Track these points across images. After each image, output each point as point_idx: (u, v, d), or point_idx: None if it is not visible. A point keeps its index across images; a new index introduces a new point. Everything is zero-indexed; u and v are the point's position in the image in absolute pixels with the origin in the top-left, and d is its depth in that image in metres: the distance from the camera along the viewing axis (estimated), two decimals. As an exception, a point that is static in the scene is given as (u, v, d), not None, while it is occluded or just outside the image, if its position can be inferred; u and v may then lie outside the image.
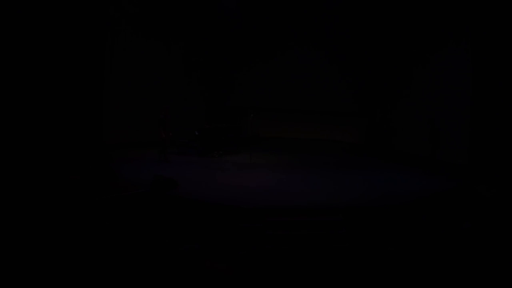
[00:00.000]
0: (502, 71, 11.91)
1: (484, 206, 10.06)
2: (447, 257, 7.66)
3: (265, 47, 17.54)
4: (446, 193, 10.99)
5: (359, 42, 16.66)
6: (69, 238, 7.53)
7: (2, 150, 11.25)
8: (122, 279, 6.69)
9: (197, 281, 7.16)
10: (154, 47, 16.25)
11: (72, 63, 12.94)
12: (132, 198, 9.82)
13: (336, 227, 9.13)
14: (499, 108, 12.04)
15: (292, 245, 8.54)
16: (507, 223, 9.20)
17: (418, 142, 14.08)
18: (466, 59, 12.95)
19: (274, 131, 17.62)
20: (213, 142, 14.66)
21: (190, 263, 7.24)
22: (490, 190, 10.67)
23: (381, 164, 13.94)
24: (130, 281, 6.68)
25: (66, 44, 12.73)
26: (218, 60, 17.94)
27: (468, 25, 12.82)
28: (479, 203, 10.33)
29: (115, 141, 14.76)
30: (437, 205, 10.26)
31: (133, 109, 15.62)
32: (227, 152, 14.77)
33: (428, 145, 13.06)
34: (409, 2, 14.97)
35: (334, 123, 17.35)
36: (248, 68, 17.76)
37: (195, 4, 17.03)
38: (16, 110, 11.86)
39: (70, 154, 12.39)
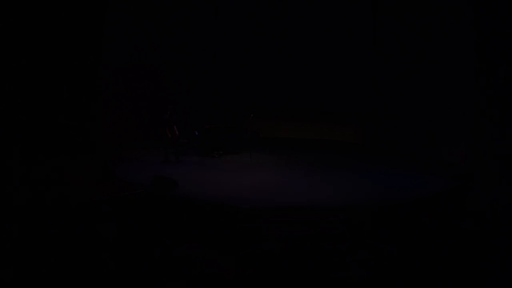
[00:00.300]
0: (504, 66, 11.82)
1: (484, 206, 10.06)
2: (447, 257, 7.66)
3: (265, 46, 17.55)
4: (446, 193, 10.98)
5: (359, 42, 16.67)
6: (65, 239, 7.54)
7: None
8: (122, 280, 6.70)
9: (197, 282, 7.17)
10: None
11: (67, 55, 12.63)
12: (132, 198, 9.82)
13: (336, 227, 9.13)
14: (502, 105, 11.95)
15: (292, 245, 8.53)
16: (506, 223, 9.19)
17: (417, 142, 14.06)
18: (468, 53, 12.88)
19: (274, 131, 17.64)
20: (213, 142, 14.68)
21: (189, 264, 7.25)
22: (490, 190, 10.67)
23: (381, 163, 13.93)
24: (130, 282, 6.69)
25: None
26: (216, 60, 17.94)
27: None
28: (479, 203, 10.33)
29: (114, 141, 14.74)
30: (437, 205, 10.26)
31: (133, 109, 15.62)
32: (227, 152, 14.77)
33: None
34: None
35: (334, 122, 17.37)
36: (248, 68, 17.76)
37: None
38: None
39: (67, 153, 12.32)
